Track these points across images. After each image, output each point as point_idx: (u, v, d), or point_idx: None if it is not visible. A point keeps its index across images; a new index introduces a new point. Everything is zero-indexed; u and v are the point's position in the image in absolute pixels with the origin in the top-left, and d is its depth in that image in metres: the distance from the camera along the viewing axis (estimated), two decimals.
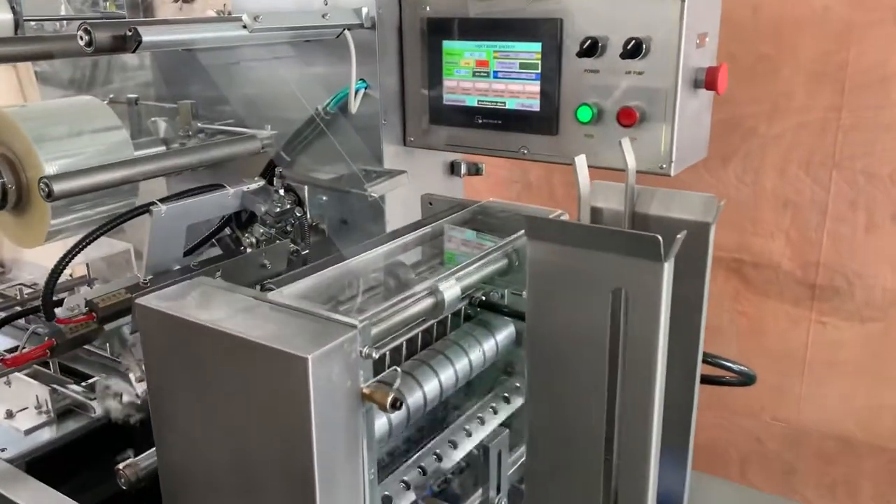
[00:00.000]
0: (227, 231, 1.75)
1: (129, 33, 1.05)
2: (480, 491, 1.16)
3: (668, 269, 0.84)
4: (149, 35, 1.05)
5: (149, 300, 0.95)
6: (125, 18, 1.86)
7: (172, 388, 0.96)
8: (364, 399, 0.90)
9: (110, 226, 1.34)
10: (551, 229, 0.89)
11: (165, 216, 1.34)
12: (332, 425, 0.86)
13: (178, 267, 1.41)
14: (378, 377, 0.90)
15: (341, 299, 1.02)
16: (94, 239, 1.32)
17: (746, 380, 1.12)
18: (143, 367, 1.45)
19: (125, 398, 1.53)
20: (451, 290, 1.03)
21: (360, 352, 0.88)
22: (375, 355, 0.88)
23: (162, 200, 1.35)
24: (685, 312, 0.98)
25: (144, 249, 1.36)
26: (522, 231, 1.23)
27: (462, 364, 1.20)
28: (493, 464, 1.14)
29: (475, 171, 1.77)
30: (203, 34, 1.18)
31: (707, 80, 1.32)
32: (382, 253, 1.15)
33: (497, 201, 1.36)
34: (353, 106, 1.47)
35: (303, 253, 1.56)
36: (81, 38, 1.04)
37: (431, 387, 1.13)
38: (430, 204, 1.38)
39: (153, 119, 1.75)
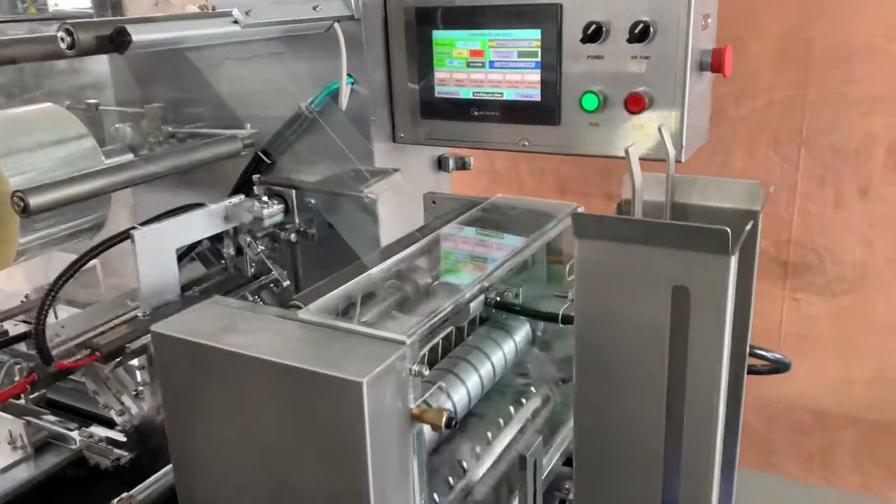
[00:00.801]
0: (206, 244, 1.66)
1: (117, 33, 0.95)
2: (516, 501, 1.11)
3: (734, 263, 0.80)
4: (139, 34, 0.96)
5: (167, 327, 0.86)
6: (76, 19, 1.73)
7: (199, 421, 0.88)
8: (414, 420, 0.83)
9: (96, 252, 1.23)
10: (604, 226, 0.84)
11: (148, 240, 1.24)
12: (386, 451, 0.80)
13: (176, 297, 1.31)
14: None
15: (374, 312, 0.95)
16: (81, 267, 1.21)
17: (781, 367, 1.09)
18: (124, 401, 1.36)
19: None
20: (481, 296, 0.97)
21: (410, 370, 0.81)
22: (426, 373, 0.82)
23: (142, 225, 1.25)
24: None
25: (136, 279, 1.26)
26: (546, 227, 1.18)
27: (486, 370, 1.15)
28: (529, 473, 1.08)
29: (462, 165, 1.71)
30: (194, 31, 1.09)
31: (713, 62, 1.29)
32: (404, 258, 1.08)
33: (506, 196, 1.30)
34: (344, 102, 1.39)
35: (283, 284, 1.47)
36: (63, 40, 0.94)
37: (460, 397, 1.07)
38: (434, 203, 1.31)
39: (116, 126, 1.63)
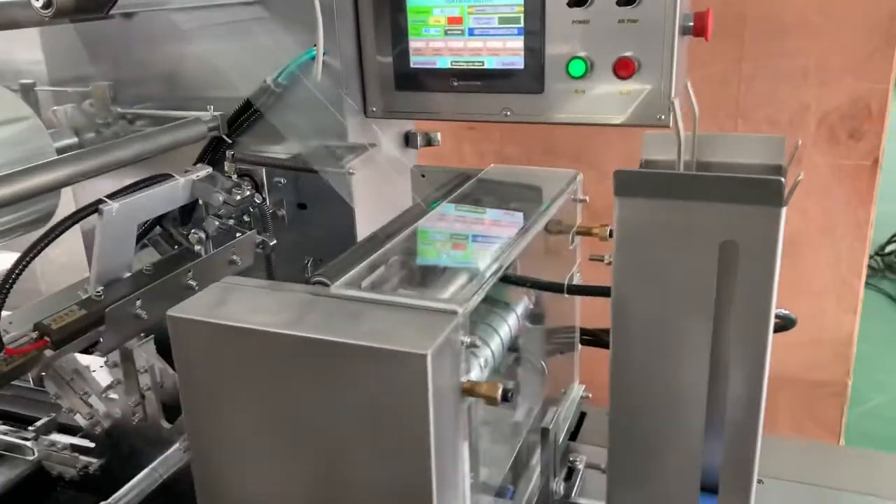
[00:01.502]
0: (157, 229, 1.55)
1: None
2: (537, 474, 1.08)
3: (784, 215, 0.79)
4: None
5: (188, 310, 0.78)
6: None
7: (229, 413, 0.80)
8: (465, 394, 0.78)
9: (59, 231, 1.12)
10: (649, 183, 0.81)
11: (117, 215, 1.14)
12: (443, 429, 0.74)
13: (127, 274, 1.21)
14: None
15: (405, 285, 0.89)
16: (43, 249, 1.10)
17: (787, 324, 1.10)
18: (92, 402, 1.25)
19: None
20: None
21: (463, 342, 0.77)
22: (479, 344, 0.77)
23: (109, 197, 1.15)
24: None
25: (93, 255, 1.16)
26: (554, 197, 1.15)
27: (496, 344, 1.10)
28: (550, 445, 1.06)
29: (428, 142, 1.66)
30: None
31: (696, 25, 1.28)
32: (423, 227, 1.02)
33: (500, 167, 1.26)
34: (319, 71, 1.31)
35: (270, 244, 1.40)
36: (38, 0, 0.84)
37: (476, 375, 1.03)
38: (423, 176, 1.26)
39: (54, 108, 1.50)
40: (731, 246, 0.81)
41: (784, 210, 0.79)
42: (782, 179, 0.76)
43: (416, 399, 0.70)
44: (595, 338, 1.39)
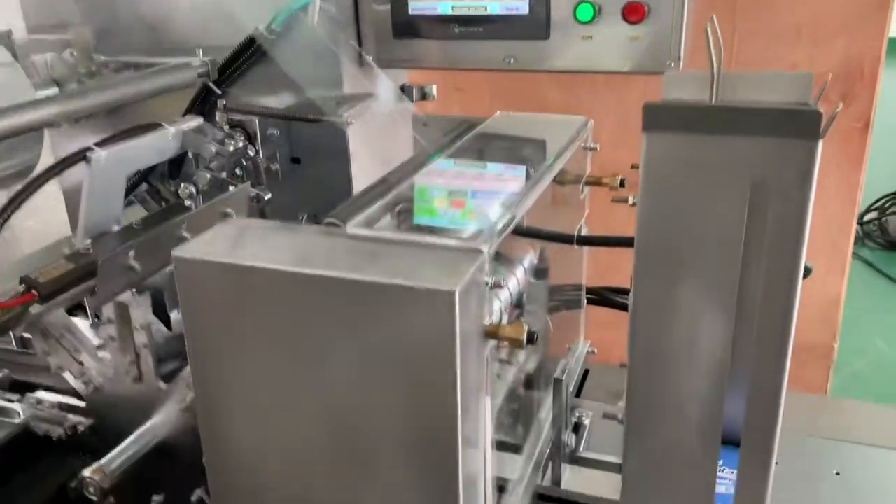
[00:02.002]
0: (144, 186, 1.49)
1: None
2: (548, 425, 1.05)
3: (819, 149, 0.76)
4: None
5: (195, 250, 0.73)
6: None
7: (241, 361, 0.75)
8: (488, 337, 0.75)
9: (43, 179, 1.06)
10: (680, 116, 0.77)
11: (105, 163, 1.09)
12: (467, 373, 0.71)
13: (116, 228, 1.16)
14: None
15: (426, 228, 0.85)
16: (27, 198, 1.04)
17: (804, 272, 1.08)
18: (83, 360, 1.20)
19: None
20: None
21: (488, 282, 0.73)
22: (503, 285, 0.73)
23: (97, 145, 1.10)
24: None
25: (81, 207, 1.10)
26: (567, 143, 1.11)
27: (503, 296, 1.07)
28: (563, 396, 1.03)
29: (423, 96, 1.61)
30: None
31: None
32: (433, 172, 0.98)
33: (508, 113, 1.22)
34: (315, 16, 1.25)
35: (265, 197, 1.35)
36: None
37: None
38: (425, 125, 1.21)
39: (33, 58, 1.42)
40: (763, 183, 0.77)
41: (820, 144, 0.75)
42: (820, 110, 0.73)
43: (443, 340, 0.66)
44: (601, 297, 1.36)
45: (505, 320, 0.97)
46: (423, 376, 0.69)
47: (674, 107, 0.79)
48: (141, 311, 1.11)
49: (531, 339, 0.74)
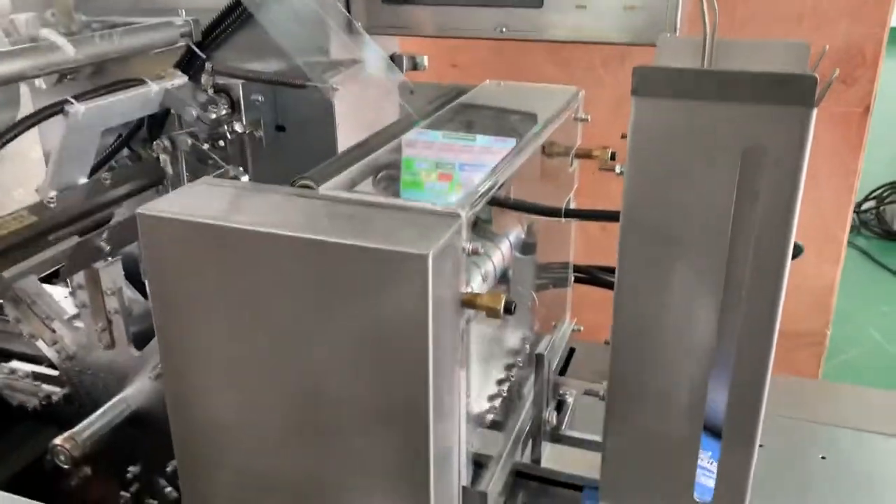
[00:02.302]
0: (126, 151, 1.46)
1: None
2: (529, 402, 1.02)
3: (814, 117, 0.73)
4: None
5: (161, 208, 0.70)
6: None
7: (206, 324, 0.72)
8: (465, 306, 0.72)
9: (20, 129, 1.03)
10: (671, 80, 0.74)
11: (83, 117, 1.06)
12: (440, 341, 0.68)
13: (83, 181, 1.13)
14: None
15: (395, 192, 0.82)
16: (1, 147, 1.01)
17: (796, 251, 1.05)
18: (55, 327, 1.17)
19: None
20: None
21: (465, 248, 0.70)
22: (481, 251, 0.70)
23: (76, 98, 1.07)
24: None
25: (51, 158, 1.07)
26: (555, 113, 1.07)
27: (487, 270, 1.04)
28: (544, 371, 1.00)
29: (413, 66, 1.57)
30: None
31: None
32: (420, 143, 0.94)
33: (496, 81, 1.18)
34: None
35: (247, 166, 1.31)
36: None
37: None
38: (412, 92, 1.18)
39: (11, 16, 1.38)
40: (755, 152, 0.74)
41: (815, 112, 0.72)
42: (815, 76, 0.70)
43: (415, 306, 0.64)
44: (589, 275, 1.33)
45: None
46: (394, 343, 0.67)
47: (664, 70, 0.75)
48: (111, 276, 1.08)
49: (509, 308, 0.71)
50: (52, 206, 1.03)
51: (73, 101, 1.02)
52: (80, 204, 1.08)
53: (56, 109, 1.02)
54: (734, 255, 0.79)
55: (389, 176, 0.90)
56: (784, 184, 0.75)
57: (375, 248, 0.63)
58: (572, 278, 1.31)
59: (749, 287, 0.80)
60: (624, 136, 0.81)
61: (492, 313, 0.71)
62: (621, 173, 0.80)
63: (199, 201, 0.72)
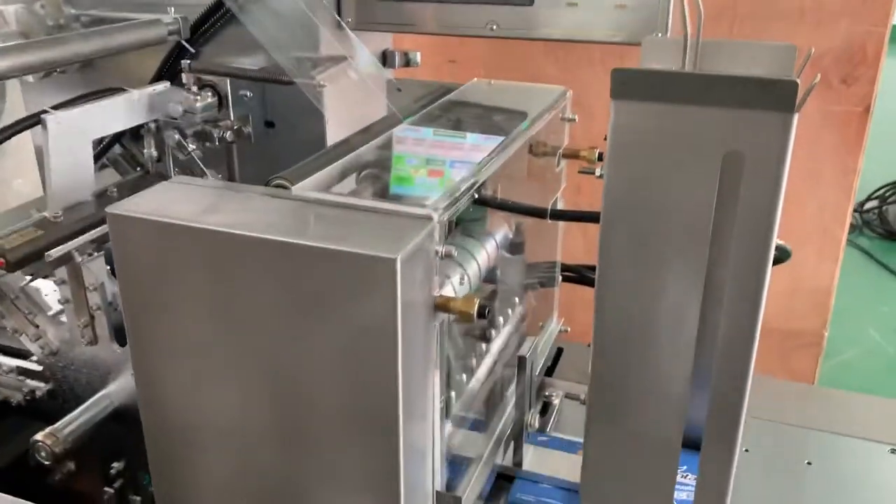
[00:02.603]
0: (118, 149, 1.45)
1: None
2: (511, 405, 1.01)
3: (795, 122, 0.71)
4: None
5: (130, 208, 0.69)
6: None
7: (175, 325, 0.72)
8: (438, 310, 0.71)
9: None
10: (650, 83, 0.73)
11: (63, 128, 1.05)
12: (411, 344, 0.67)
13: (91, 198, 1.12)
14: None
15: (373, 192, 0.81)
16: None
17: (783, 255, 1.04)
18: (39, 322, 1.17)
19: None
20: None
21: (438, 251, 0.69)
22: (455, 254, 0.70)
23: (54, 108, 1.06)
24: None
25: (45, 173, 1.07)
26: (540, 113, 1.07)
27: (473, 272, 1.03)
28: (527, 373, 0.99)
29: (406, 62, 1.56)
30: None
31: None
32: (388, 140, 0.93)
33: (484, 80, 1.17)
34: None
35: (235, 164, 1.30)
36: None
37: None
38: (399, 90, 1.17)
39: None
40: (735, 157, 0.73)
41: (796, 117, 0.71)
42: (797, 80, 0.69)
43: (384, 309, 0.63)
44: (578, 274, 1.32)
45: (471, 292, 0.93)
46: (363, 345, 0.66)
47: (643, 73, 0.74)
48: (94, 270, 1.07)
49: (482, 313, 0.70)
50: (59, 220, 1.03)
51: (50, 111, 1.01)
52: (88, 218, 1.07)
53: (34, 121, 1.01)
54: (714, 258, 0.79)
55: (372, 175, 0.89)
56: (765, 188, 0.74)
57: (344, 252, 0.62)
58: (560, 278, 1.30)
59: (730, 291, 0.79)
60: (602, 158, 0.80)
61: (465, 317, 0.70)
62: (601, 176, 0.79)
63: (170, 201, 0.71)
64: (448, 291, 0.75)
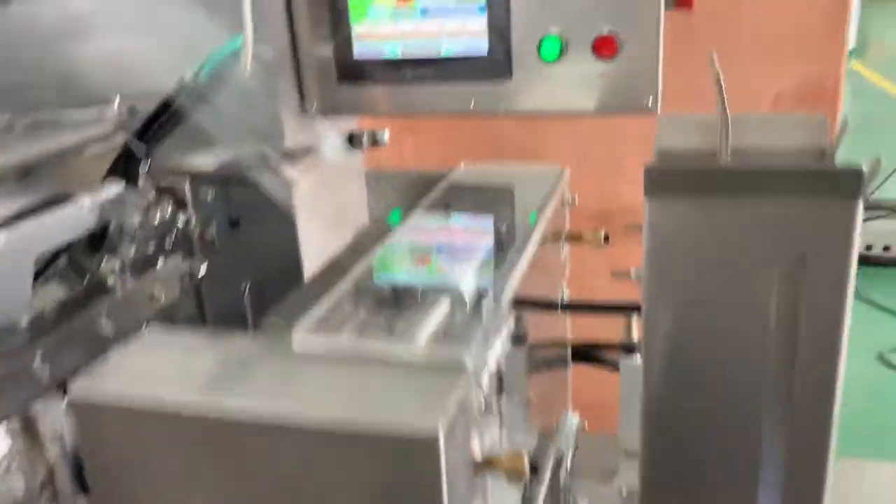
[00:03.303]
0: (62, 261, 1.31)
1: None
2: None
3: (861, 209, 0.63)
4: None
5: (94, 390, 0.56)
6: None
7: None
8: (482, 470, 0.60)
9: None
10: (691, 180, 0.64)
11: (5, 248, 0.92)
12: None
13: (25, 320, 0.98)
14: None
15: (394, 327, 0.69)
16: None
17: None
18: None
19: None
20: None
21: (479, 404, 0.58)
22: (495, 405, 0.59)
23: None
24: None
25: None
26: (545, 201, 0.97)
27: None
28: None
29: (374, 141, 1.46)
30: None
31: None
32: (390, 250, 0.82)
33: (472, 166, 1.08)
34: (248, 62, 1.10)
35: (199, 274, 1.18)
36: None
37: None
38: (378, 181, 1.07)
39: None
40: (793, 250, 0.64)
41: (861, 203, 0.63)
42: (862, 167, 0.60)
43: (423, 489, 0.51)
44: (587, 355, 1.22)
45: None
46: None
47: (684, 170, 0.65)
48: (51, 421, 0.93)
49: (534, 468, 0.59)
50: None
51: None
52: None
53: None
54: (778, 365, 0.69)
55: (378, 299, 0.76)
56: (830, 283, 0.65)
57: (367, 433, 0.50)
58: (571, 365, 1.20)
59: (799, 402, 0.69)
60: (633, 227, 0.71)
61: (514, 477, 0.59)
62: (638, 278, 0.69)
63: (144, 369, 0.59)
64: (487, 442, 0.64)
